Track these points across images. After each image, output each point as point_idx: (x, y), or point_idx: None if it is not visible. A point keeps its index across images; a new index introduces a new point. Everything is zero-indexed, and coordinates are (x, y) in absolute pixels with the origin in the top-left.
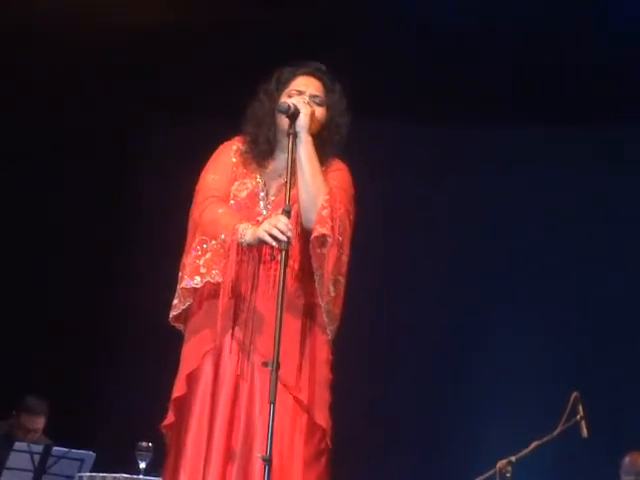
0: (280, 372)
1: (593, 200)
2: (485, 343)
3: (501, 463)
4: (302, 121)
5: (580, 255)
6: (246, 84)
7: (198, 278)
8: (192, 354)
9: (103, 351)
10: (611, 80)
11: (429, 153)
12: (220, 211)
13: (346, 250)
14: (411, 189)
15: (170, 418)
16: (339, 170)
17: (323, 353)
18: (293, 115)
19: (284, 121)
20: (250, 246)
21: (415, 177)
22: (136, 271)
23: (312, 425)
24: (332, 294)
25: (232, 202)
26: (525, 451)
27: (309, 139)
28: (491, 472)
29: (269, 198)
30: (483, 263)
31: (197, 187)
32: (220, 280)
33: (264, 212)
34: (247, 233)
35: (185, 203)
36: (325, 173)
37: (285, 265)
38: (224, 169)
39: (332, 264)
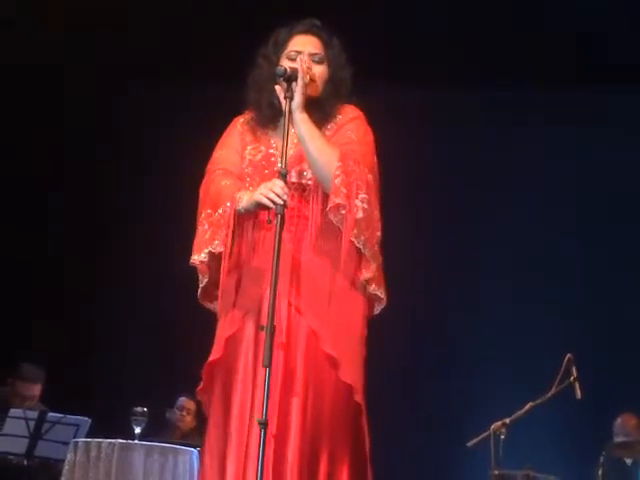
0: (311, 324)
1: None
2: (481, 307)
3: (495, 425)
4: (295, 102)
5: (580, 222)
6: (246, 48)
7: (206, 251)
8: (228, 319)
9: (100, 318)
10: None
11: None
12: (223, 183)
13: (374, 204)
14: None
15: (205, 382)
16: (354, 120)
17: (359, 309)
18: (290, 78)
19: (282, 84)
20: (248, 211)
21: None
22: (133, 240)
23: (341, 381)
24: (368, 254)
25: (249, 168)
26: (519, 413)
27: (304, 117)
28: (485, 434)
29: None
30: (485, 229)
31: (207, 166)
32: (221, 250)
33: (281, 167)
34: (243, 199)
35: (185, 171)
36: (340, 125)
37: (281, 229)
38: (231, 143)
39: (352, 228)
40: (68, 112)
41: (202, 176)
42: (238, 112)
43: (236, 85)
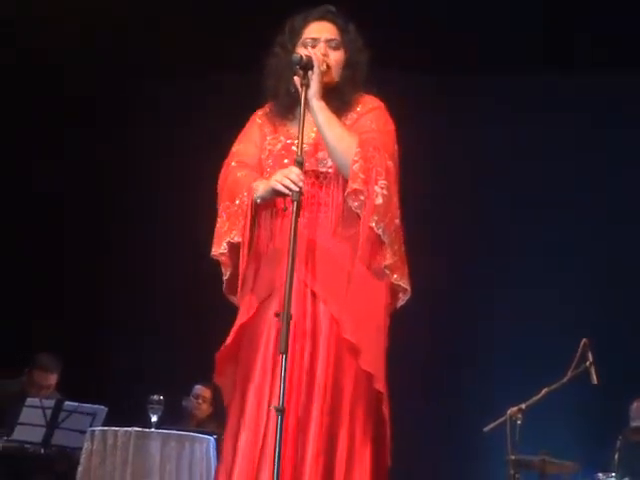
0: (332, 310)
1: None
2: (497, 293)
3: (512, 410)
4: (312, 90)
5: (594, 206)
6: (261, 36)
7: (225, 243)
8: (245, 306)
9: (116, 305)
10: None
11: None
12: (239, 174)
13: (394, 191)
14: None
15: (219, 368)
16: (375, 109)
17: (380, 297)
18: (306, 66)
19: (299, 72)
20: (264, 200)
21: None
22: (154, 227)
23: (362, 369)
24: (387, 240)
25: (269, 159)
26: (535, 398)
27: (322, 104)
28: (502, 419)
29: (304, 145)
30: (502, 211)
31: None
32: (239, 240)
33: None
34: (259, 187)
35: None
36: (360, 114)
37: (297, 216)
38: (249, 137)
39: (371, 214)
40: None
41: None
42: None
43: (251, 76)
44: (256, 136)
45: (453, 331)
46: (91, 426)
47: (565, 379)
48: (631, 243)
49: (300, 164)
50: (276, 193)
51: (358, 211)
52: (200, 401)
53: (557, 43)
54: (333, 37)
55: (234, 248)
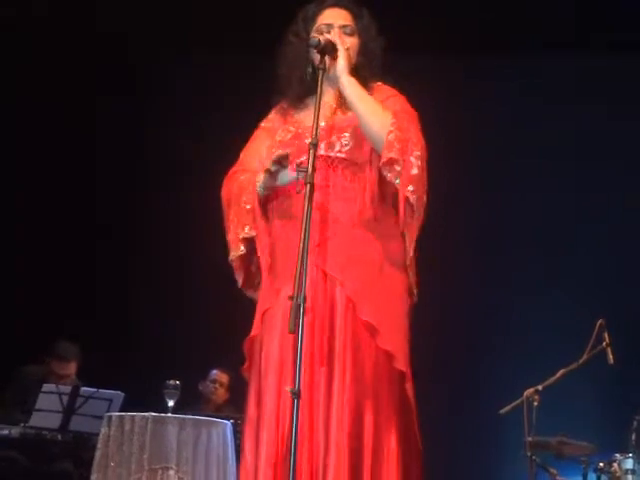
0: (347, 292)
1: None
2: (514, 277)
3: (528, 391)
4: (341, 66)
5: (610, 186)
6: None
7: (240, 244)
8: (264, 293)
9: (135, 291)
10: None
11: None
12: (242, 178)
13: (425, 166)
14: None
15: (249, 359)
16: (394, 96)
17: (399, 280)
18: (324, 49)
19: (316, 56)
20: (267, 188)
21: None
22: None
23: (381, 349)
24: (417, 214)
25: (279, 149)
26: (552, 379)
27: (352, 79)
28: (519, 401)
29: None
30: (515, 198)
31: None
32: (254, 234)
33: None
34: (260, 178)
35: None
36: (380, 102)
37: (310, 199)
38: (256, 145)
39: (408, 183)
40: None
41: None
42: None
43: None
44: (262, 136)
45: (469, 314)
46: (108, 412)
47: (581, 360)
48: None
49: (314, 146)
50: (273, 179)
51: (393, 181)
52: (217, 386)
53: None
54: (347, 23)
55: (248, 244)
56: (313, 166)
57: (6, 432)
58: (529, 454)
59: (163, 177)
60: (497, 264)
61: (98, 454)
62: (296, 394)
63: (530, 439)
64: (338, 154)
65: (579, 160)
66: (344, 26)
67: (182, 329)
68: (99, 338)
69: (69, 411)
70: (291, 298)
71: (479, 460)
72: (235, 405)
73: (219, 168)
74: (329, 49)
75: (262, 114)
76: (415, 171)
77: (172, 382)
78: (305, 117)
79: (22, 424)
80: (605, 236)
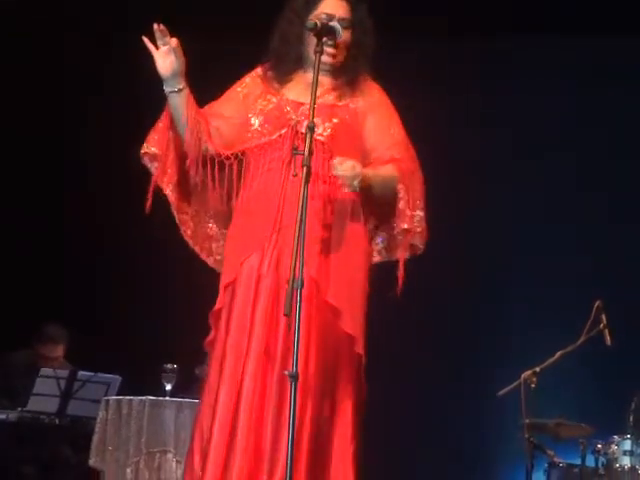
0: (312, 273)
1: None
2: (512, 257)
3: (526, 374)
4: (354, 183)
5: (612, 168)
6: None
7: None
8: (229, 266)
9: (126, 274)
10: None
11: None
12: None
13: (425, 207)
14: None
15: (212, 333)
16: (380, 94)
17: (361, 260)
18: (320, 33)
19: (312, 39)
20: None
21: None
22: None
23: (342, 331)
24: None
25: (259, 117)
26: (549, 361)
27: (361, 185)
28: (516, 383)
29: (299, 108)
30: (513, 182)
31: None
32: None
33: (293, 116)
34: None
35: None
36: (367, 109)
37: (306, 181)
38: (231, 101)
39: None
40: None
41: None
42: None
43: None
44: (229, 108)
45: (467, 296)
46: (105, 395)
47: (579, 342)
48: None
49: (311, 130)
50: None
51: (399, 237)
52: None
53: None
54: (346, 16)
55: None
56: (310, 149)
57: (3, 416)
58: (527, 436)
59: None
60: (495, 247)
61: (96, 438)
62: (294, 377)
63: (528, 421)
64: (318, 137)
65: (580, 144)
66: (343, 19)
67: (179, 312)
68: (97, 322)
69: (66, 395)
70: (288, 282)
71: (477, 442)
72: None
73: None
74: (326, 31)
75: None
76: (420, 229)
77: (169, 366)
78: (288, 90)
79: (19, 408)
80: (605, 215)
